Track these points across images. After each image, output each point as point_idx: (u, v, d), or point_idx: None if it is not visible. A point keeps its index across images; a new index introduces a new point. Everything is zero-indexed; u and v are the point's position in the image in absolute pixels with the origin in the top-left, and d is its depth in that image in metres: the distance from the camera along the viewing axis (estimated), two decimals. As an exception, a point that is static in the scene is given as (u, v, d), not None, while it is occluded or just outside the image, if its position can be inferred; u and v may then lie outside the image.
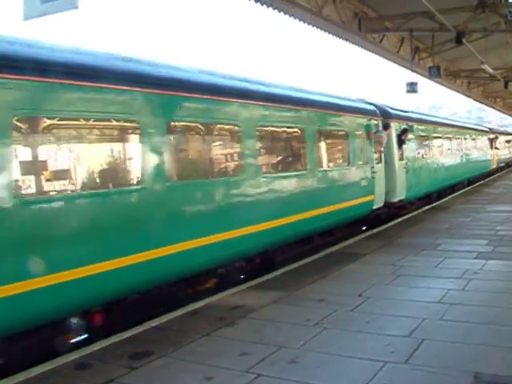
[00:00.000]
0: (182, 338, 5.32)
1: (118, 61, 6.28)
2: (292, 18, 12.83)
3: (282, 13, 12.44)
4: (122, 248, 5.82)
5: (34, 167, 5.16)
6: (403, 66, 19.44)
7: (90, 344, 5.34)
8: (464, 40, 15.17)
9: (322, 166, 10.32)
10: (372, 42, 16.60)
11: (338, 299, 6.47)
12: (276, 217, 8.48)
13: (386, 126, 13.34)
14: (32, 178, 5.17)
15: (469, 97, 31.33)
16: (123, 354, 5.00)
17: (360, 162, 11.87)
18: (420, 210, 15.53)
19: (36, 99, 5.09)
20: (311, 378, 4.25)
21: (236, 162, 8.06)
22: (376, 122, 13.03)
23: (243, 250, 7.86)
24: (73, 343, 5.53)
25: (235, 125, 7.94)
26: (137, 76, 6.32)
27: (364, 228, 12.76)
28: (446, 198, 18.59)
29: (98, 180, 5.91)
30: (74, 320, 5.62)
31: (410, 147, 15.33)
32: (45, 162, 5.29)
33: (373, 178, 12.30)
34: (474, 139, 25.87)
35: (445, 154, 19.76)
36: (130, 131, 6.37)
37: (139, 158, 6.20)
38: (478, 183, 24.96)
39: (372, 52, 17.50)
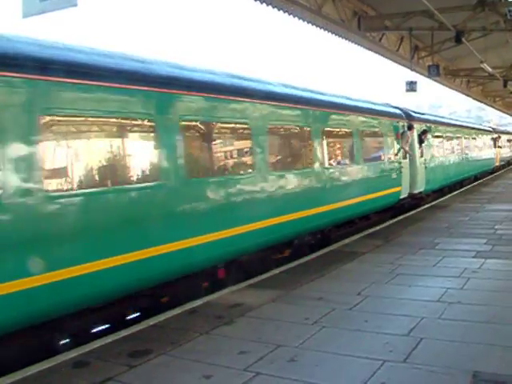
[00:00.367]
0: (181, 337, 5.32)
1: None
2: (291, 16, 12.84)
3: (281, 11, 12.45)
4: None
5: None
6: (402, 65, 19.45)
7: (90, 341, 5.35)
8: (463, 39, 15.18)
9: (366, 161, 12.27)
10: (371, 40, 16.60)
11: (337, 298, 6.47)
12: (334, 201, 10.39)
13: (410, 127, 15.10)
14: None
15: (468, 96, 31.37)
16: (122, 352, 4.99)
17: (391, 158, 13.79)
18: (419, 209, 15.56)
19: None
20: (310, 377, 4.25)
21: (308, 158, 9.98)
22: (402, 124, 14.91)
23: (310, 227, 9.91)
24: (72, 341, 5.52)
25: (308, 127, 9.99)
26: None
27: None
28: (445, 197, 18.62)
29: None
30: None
31: (428, 146, 17.16)
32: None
33: (400, 172, 14.14)
34: (479, 139, 27.96)
35: (456, 152, 21.89)
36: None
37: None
38: (477, 182, 25.04)
39: (371, 51, 17.51)
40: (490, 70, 19.90)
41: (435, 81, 22.11)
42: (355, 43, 16.31)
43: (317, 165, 9.99)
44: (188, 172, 6.85)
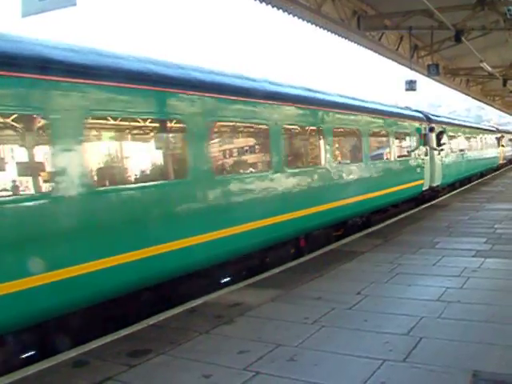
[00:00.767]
0: (180, 336, 5.32)
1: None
2: (291, 15, 12.83)
3: (281, 10, 12.44)
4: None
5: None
6: (402, 64, 19.43)
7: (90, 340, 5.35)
8: (463, 38, 15.16)
9: (399, 158, 14.74)
10: (371, 39, 16.58)
11: (336, 297, 6.47)
12: (376, 190, 12.51)
13: (432, 129, 17.46)
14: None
15: (467, 95, 31.36)
16: (121, 351, 4.99)
17: (416, 155, 16.13)
18: (419, 208, 15.57)
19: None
20: (309, 376, 4.25)
21: (359, 153, 12.20)
22: (424, 126, 17.15)
23: (359, 211, 12.05)
24: (71, 340, 5.51)
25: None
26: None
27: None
28: (444, 196, 18.64)
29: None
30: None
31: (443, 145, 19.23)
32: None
33: (423, 167, 16.55)
34: (485, 138, 30.33)
35: (466, 151, 23.89)
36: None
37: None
38: (477, 181, 25.07)
39: (371, 50, 17.49)
40: (489, 69, 19.89)
41: (435, 80, 22.11)
42: (355, 42, 16.29)
43: (365, 159, 12.23)
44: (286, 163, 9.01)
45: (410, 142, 15.87)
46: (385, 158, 13.97)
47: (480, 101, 36.13)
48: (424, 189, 16.72)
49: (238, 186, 7.81)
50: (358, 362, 4.50)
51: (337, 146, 11.49)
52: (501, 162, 35.26)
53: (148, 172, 6.84)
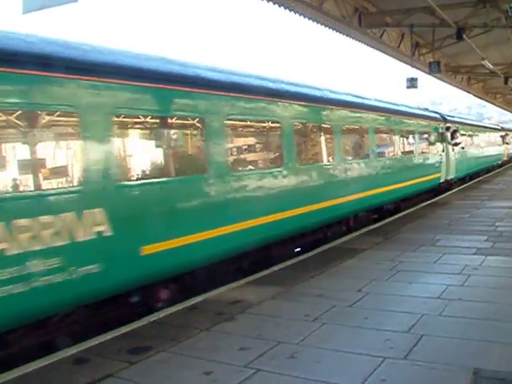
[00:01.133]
0: (181, 333, 5.32)
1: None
2: (292, 12, 12.79)
3: (282, 8, 12.41)
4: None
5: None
6: (403, 62, 19.39)
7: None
8: (464, 36, 15.13)
9: (423, 153, 17.15)
10: (372, 37, 16.53)
11: (337, 295, 6.46)
12: (405, 180, 14.55)
13: (447, 128, 19.84)
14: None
15: (469, 93, 31.30)
16: (122, 348, 4.99)
17: (435, 151, 18.55)
18: (419, 206, 15.56)
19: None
20: (310, 374, 4.25)
21: (393, 148, 14.50)
22: (442, 126, 19.58)
23: (392, 198, 14.04)
24: (71, 338, 5.52)
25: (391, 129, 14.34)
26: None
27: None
28: (445, 194, 18.64)
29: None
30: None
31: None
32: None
33: (440, 161, 18.88)
34: (492, 136, 32.74)
35: (475, 148, 26.32)
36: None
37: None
38: (477, 179, 25.07)
39: (372, 47, 17.44)
40: (490, 66, 19.86)
41: (436, 77, 22.05)
42: (356, 40, 16.24)
43: (398, 155, 14.62)
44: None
45: (431, 139, 18.21)
46: (413, 153, 16.26)
47: (481, 98, 36.08)
48: (441, 181, 19.05)
49: (313, 174, 9.88)
50: (358, 359, 4.49)
51: (378, 143, 13.54)
52: (505, 158, 37.62)
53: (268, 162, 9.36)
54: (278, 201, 8.59)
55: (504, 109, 47.13)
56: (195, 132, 7.54)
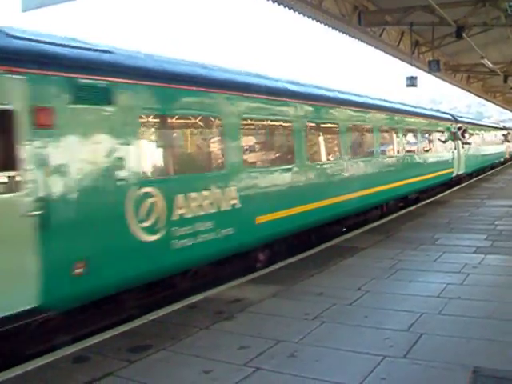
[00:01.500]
0: (181, 332, 5.32)
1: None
2: (292, 11, 12.79)
3: (281, 6, 12.40)
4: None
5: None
6: (403, 60, 19.40)
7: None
8: (464, 34, 15.14)
9: (439, 150, 19.34)
10: (372, 35, 16.54)
11: (337, 293, 6.47)
12: (424, 174, 16.71)
13: (459, 128, 21.77)
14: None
15: (468, 91, 31.34)
16: (121, 347, 4.99)
17: (449, 148, 20.57)
18: (419, 205, 15.57)
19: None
20: (310, 372, 4.25)
21: (414, 146, 16.69)
22: (454, 125, 21.52)
23: (415, 189, 16.27)
24: (72, 337, 5.52)
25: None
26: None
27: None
28: (445, 193, 18.65)
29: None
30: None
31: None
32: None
33: (453, 158, 20.95)
34: (495, 135, 34.71)
35: (481, 146, 28.12)
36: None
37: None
38: (478, 178, 25.11)
39: (372, 46, 17.44)
40: (490, 65, 19.87)
41: (435, 76, 22.06)
42: (356, 38, 16.25)
43: (420, 151, 16.80)
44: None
45: (445, 138, 20.22)
46: (431, 150, 18.34)
47: (481, 97, 36.11)
48: (453, 175, 21.04)
49: (359, 166, 11.94)
50: (358, 357, 4.50)
51: (405, 141, 15.53)
52: (507, 156, 39.84)
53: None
54: (345, 184, 11.00)
55: (503, 107, 47.19)
56: (288, 132, 9.57)
